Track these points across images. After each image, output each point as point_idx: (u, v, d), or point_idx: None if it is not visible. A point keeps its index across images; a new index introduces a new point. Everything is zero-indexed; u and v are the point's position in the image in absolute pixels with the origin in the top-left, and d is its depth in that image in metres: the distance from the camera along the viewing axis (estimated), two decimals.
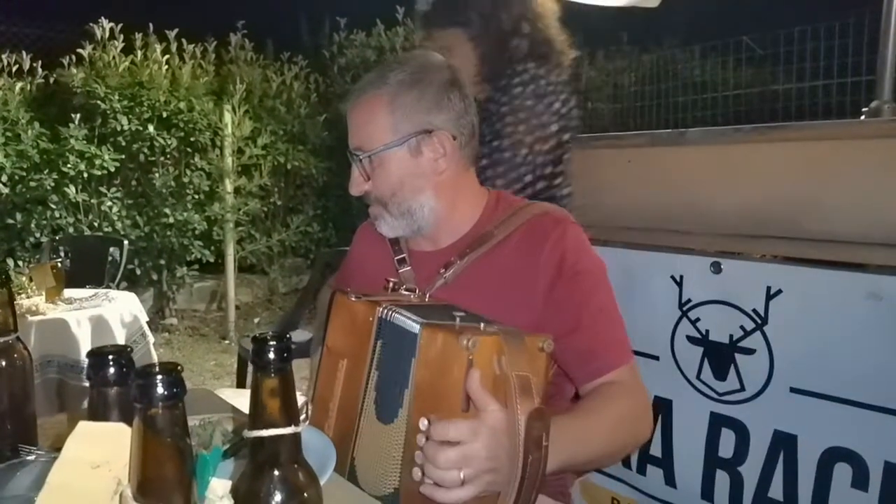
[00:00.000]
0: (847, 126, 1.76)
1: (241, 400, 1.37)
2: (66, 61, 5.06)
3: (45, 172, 4.78)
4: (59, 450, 0.72)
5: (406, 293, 1.08)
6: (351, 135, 1.14)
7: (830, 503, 1.29)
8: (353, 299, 1.03)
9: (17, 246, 4.84)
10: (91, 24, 5.05)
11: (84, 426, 0.61)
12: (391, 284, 1.10)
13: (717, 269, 1.46)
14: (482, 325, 0.88)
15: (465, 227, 1.16)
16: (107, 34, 5.03)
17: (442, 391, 0.87)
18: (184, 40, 5.29)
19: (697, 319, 1.50)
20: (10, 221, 4.77)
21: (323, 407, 1.05)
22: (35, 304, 2.76)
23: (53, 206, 4.81)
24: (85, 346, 2.69)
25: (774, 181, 1.52)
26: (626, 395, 1.05)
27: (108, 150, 4.92)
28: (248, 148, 5.25)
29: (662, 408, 1.55)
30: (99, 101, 4.86)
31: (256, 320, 5.56)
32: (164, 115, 5.02)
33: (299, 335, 2.77)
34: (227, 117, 5.15)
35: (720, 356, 1.46)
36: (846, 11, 3.75)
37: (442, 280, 1.10)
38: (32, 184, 4.75)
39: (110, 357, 0.64)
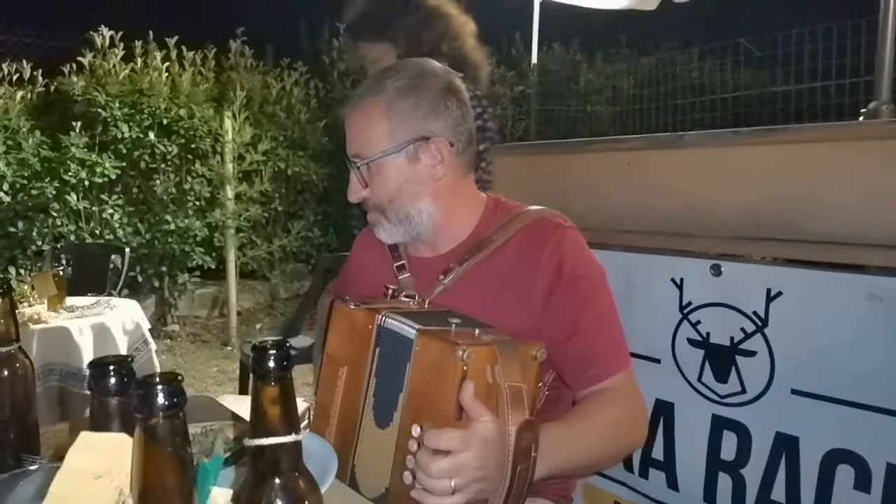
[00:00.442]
0: (845, 128, 1.76)
1: (243, 407, 1.37)
2: (66, 70, 5.08)
3: (47, 180, 4.79)
4: (61, 459, 0.72)
5: (405, 300, 1.09)
6: (349, 142, 1.14)
7: None
8: (353, 307, 1.04)
9: (18, 254, 4.85)
10: (91, 33, 5.06)
11: (86, 436, 0.61)
12: (391, 291, 1.10)
13: (717, 271, 1.47)
14: (477, 331, 0.89)
15: (463, 233, 1.16)
16: (107, 42, 5.04)
17: (434, 397, 0.88)
18: (184, 47, 5.31)
19: (698, 322, 1.50)
20: (12, 230, 4.78)
21: (324, 414, 1.05)
22: (37, 312, 2.77)
23: (55, 214, 4.82)
24: (87, 354, 2.70)
25: (773, 183, 1.52)
26: (621, 401, 1.05)
27: (109, 157, 4.94)
28: (249, 154, 5.26)
29: (664, 411, 1.55)
30: (99, 109, 4.88)
31: (258, 326, 5.57)
32: (165, 122, 5.03)
33: (300, 341, 2.77)
34: (228, 124, 5.16)
35: (721, 359, 1.46)
36: (844, 13, 3.75)
37: (441, 286, 1.11)
38: (34, 192, 4.76)
39: (111, 367, 0.64)
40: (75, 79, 4.99)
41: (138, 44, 5.14)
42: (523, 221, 1.13)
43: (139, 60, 5.11)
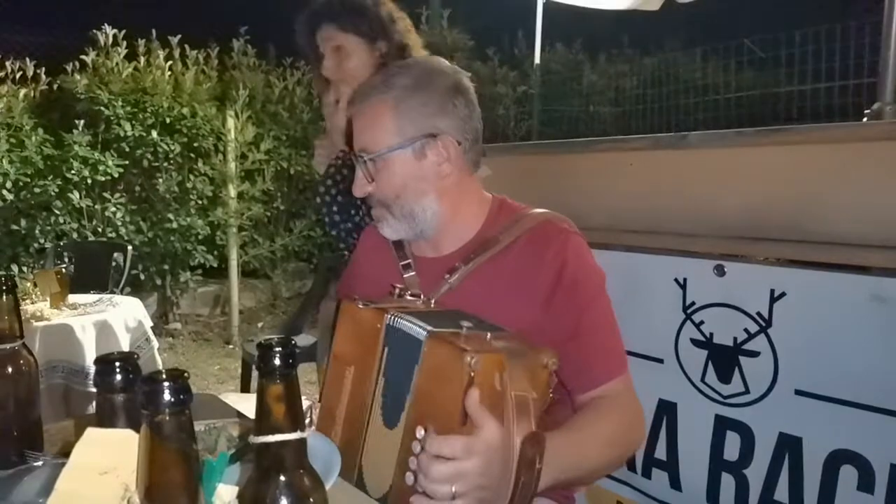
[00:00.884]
0: (849, 129, 1.76)
1: (245, 405, 1.37)
2: (69, 68, 5.09)
3: (49, 178, 4.80)
4: (65, 455, 0.72)
5: (411, 299, 1.09)
6: (355, 137, 1.15)
7: None
8: (361, 307, 1.03)
9: (21, 252, 4.86)
10: (94, 31, 5.07)
11: (92, 433, 0.61)
12: (397, 290, 1.10)
13: (720, 271, 1.46)
14: (488, 335, 0.88)
15: (468, 234, 1.16)
16: (110, 41, 5.05)
17: (440, 401, 0.87)
18: (187, 46, 5.32)
19: (701, 322, 1.50)
20: (15, 227, 4.79)
21: (329, 414, 1.05)
22: (40, 309, 2.78)
23: (57, 212, 4.82)
24: (90, 351, 2.70)
25: (777, 184, 1.52)
26: (620, 409, 1.06)
27: (112, 155, 4.94)
28: (251, 153, 5.27)
29: (667, 411, 1.55)
30: (102, 108, 4.89)
31: (260, 325, 5.57)
32: (168, 120, 5.04)
33: (303, 339, 2.77)
34: (230, 122, 5.16)
35: (724, 359, 1.46)
36: (847, 14, 3.75)
37: (447, 286, 1.11)
38: (37, 190, 4.76)
39: (117, 364, 0.64)
40: (78, 77, 5.00)
41: (141, 42, 5.15)
42: (529, 223, 1.13)
43: (142, 59, 5.12)
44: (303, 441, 0.63)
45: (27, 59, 5.10)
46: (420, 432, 0.85)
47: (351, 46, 1.64)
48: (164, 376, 0.53)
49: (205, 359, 4.80)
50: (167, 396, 0.52)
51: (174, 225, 5.05)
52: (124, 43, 5.07)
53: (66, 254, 4.02)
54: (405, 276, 1.17)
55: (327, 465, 0.87)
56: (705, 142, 1.72)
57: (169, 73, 5.18)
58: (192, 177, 5.19)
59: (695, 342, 1.51)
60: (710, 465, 1.47)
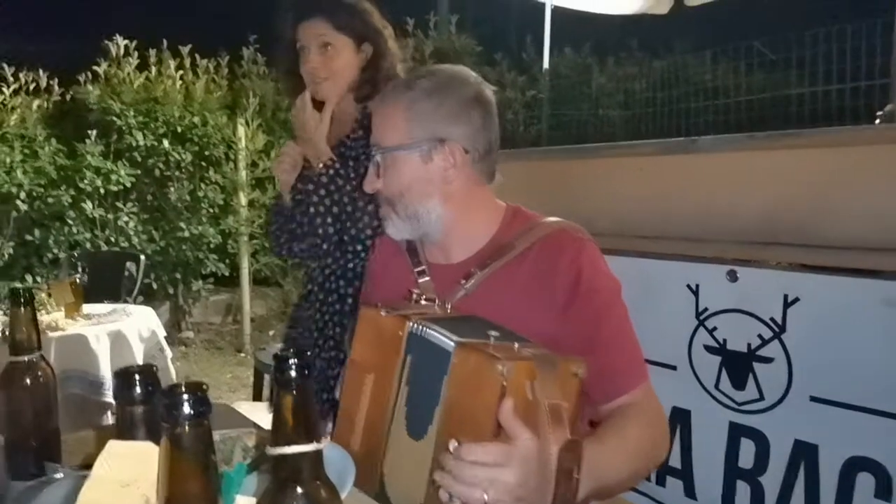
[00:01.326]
0: (861, 132, 1.75)
1: (258, 414, 1.38)
2: (82, 78, 5.15)
3: (63, 188, 4.85)
4: (83, 467, 0.73)
5: (427, 303, 1.09)
6: (373, 131, 1.18)
7: None
8: (382, 314, 1.03)
9: (35, 262, 4.91)
10: (106, 42, 5.13)
11: (113, 445, 0.62)
12: (414, 295, 1.10)
13: (733, 277, 1.46)
14: (516, 345, 0.87)
15: (481, 241, 1.16)
16: (122, 51, 5.11)
17: (472, 412, 0.86)
18: (197, 55, 5.37)
19: (714, 328, 1.49)
20: (29, 238, 4.84)
21: (348, 420, 1.04)
22: (55, 319, 2.80)
23: (71, 222, 4.87)
24: (104, 361, 2.72)
25: (788, 188, 1.51)
26: (646, 418, 1.04)
27: (124, 165, 4.99)
28: (262, 161, 5.30)
29: (681, 418, 1.54)
30: (114, 118, 4.94)
31: (272, 332, 5.59)
32: (179, 129, 5.09)
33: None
34: (241, 131, 5.20)
35: (738, 365, 1.45)
36: (858, 15, 3.73)
37: (463, 291, 1.11)
38: (50, 200, 4.82)
39: (137, 376, 0.65)
40: (91, 88, 5.06)
41: (152, 52, 5.21)
42: (543, 231, 1.13)
43: (153, 69, 5.17)
44: (319, 452, 0.64)
45: (40, 71, 5.16)
46: (453, 444, 0.83)
47: (340, 45, 1.60)
48: (182, 389, 0.53)
49: (217, 367, 4.82)
50: (186, 409, 0.53)
51: (186, 234, 5.09)
52: (136, 53, 5.13)
53: (79, 263, 4.06)
54: (420, 280, 1.17)
55: (341, 475, 0.87)
56: (716, 146, 1.71)
57: (180, 82, 5.23)
58: (203, 185, 5.23)
59: (708, 348, 1.50)
60: (724, 472, 1.46)
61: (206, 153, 5.23)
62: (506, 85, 6.15)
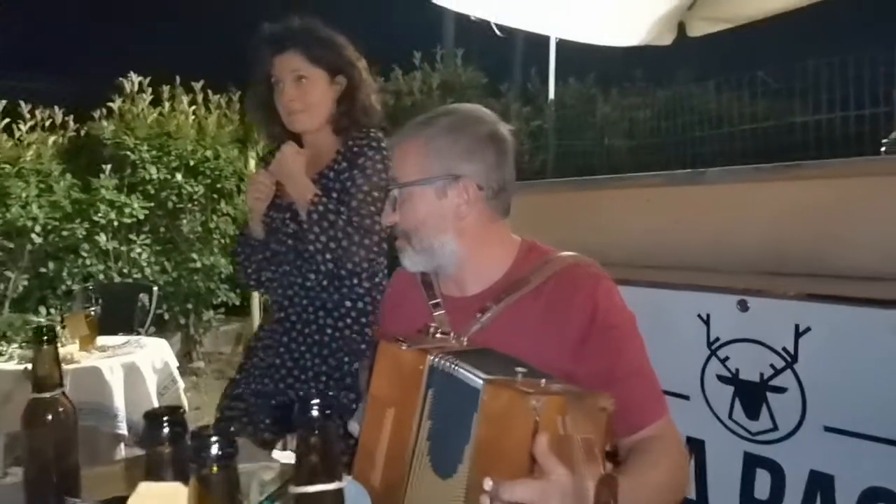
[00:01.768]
0: (867, 163, 1.76)
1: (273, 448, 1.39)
2: (96, 114, 5.26)
3: (77, 221, 4.92)
4: (102, 503, 0.74)
5: (442, 336, 1.09)
6: (391, 166, 1.24)
7: None
8: (404, 348, 1.03)
9: (49, 294, 4.96)
10: (120, 79, 5.25)
11: (144, 486, 0.64)
12: (430, 328, 1.10)
13: (743, 307, 1.47)
14: (544, 381, 0.86)
15: (495, 275, 1.18)
16: (135, 88, 5.23)
17: (504, 449, 0.85)
18: (209, 91, 5.48)
19: (727, 358, 1.50)
20: (43, 270, 4.90)
21: (368, 455, 1.03)
22: (70, 352, 2.83)
23: (85, 254, 4.94)
24: (118, 393, 2.74)
25: (796, 218, 1.53)
26: (669, 451, 1.04)
27: (138, 198, 5.07)
28: None
29: (695, 448, 1.53)
30: (128, 152, 5.03)
31: None
32: (191, 163, 5.17)
33: None
34: (252, 164, 5.28)
35: (751, 395, 1.45)
36: (861, 44, 3.77)
37: (478, 324, 1.12)
38: (65, 233, 4.89)
39: (166, 419, 0.67)
40: (105, 123, 5.17)
41: (166, 88, 5.33)
42: (559, 265, 1.15)
43: (167, 104, 5.28)
44: (340, 491, 0.65)
45: (56, 107, 5.29)
46: (489, 484, 0.81)
47: (314, 77, 1.63)
48: (211, 432, 0.55)
49: None
50: (215, 450, 0.55)
51: (198, 264, 5.14)
52: (149, 89, 5.25)
53: (93, 295, 4.10)
54: (435, 314, 1.19)
55: None
56: (723, 178, 1.73)
57: (192, 117, 5.33)
58: (215, 217, 5.30)
59: (721, 378, 1.50)
60: (740, 503, 1.45)
61: (218, 185, 5.31)
62: (511, 115, 6.23)
